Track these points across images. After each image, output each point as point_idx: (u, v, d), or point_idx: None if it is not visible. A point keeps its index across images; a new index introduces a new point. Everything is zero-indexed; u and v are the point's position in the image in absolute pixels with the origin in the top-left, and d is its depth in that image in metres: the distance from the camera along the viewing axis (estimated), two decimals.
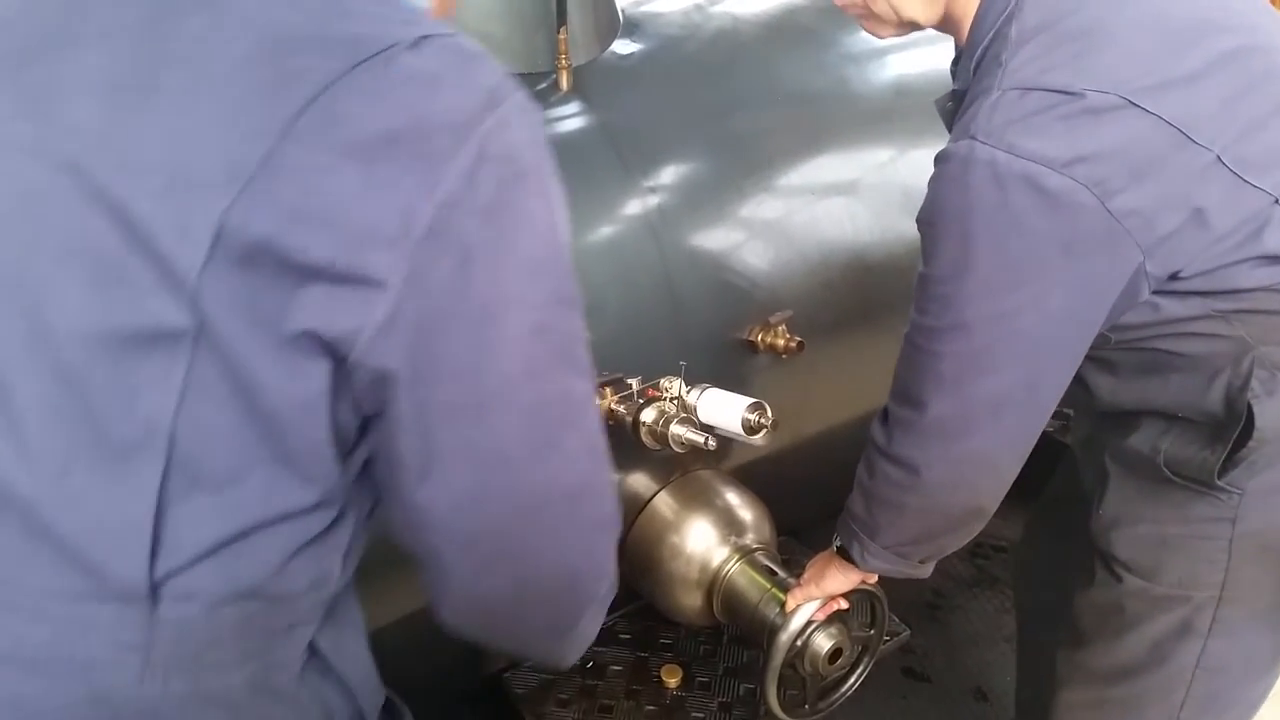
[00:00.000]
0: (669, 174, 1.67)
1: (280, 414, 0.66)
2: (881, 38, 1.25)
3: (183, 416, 0.65)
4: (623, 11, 1.83)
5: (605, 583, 0.83)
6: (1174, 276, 1.05)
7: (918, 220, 1.10)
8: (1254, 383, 1.09)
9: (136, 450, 0.65)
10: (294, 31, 0.65)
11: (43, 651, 0.68)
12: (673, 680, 1.75)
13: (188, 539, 0.67)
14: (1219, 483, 1.14)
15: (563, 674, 1.77)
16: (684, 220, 1.65)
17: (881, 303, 1.84)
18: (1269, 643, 1.28)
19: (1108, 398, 1.22)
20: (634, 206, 1.59)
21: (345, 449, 0.71)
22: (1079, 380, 1.18)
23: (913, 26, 1.20)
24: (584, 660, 1.80)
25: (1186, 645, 1.24)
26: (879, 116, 1.93)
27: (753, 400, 1.39)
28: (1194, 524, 1.19)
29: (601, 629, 1.94)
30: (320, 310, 0.64)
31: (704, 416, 1.42)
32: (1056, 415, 2.42)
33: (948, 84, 1.28)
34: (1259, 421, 1.08)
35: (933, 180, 1.07)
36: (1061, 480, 1.55)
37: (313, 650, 0.78)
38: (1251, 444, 1.09)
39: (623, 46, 1.78)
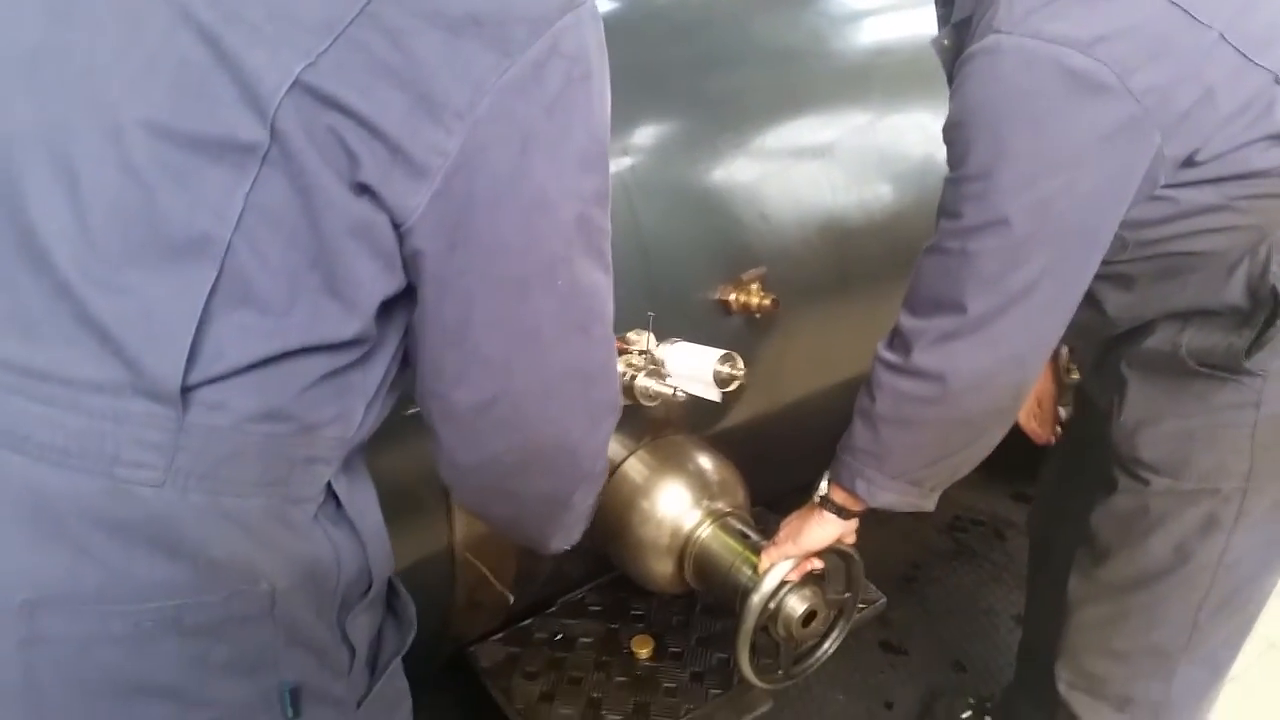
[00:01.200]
0: (640, 132, 1.62)
1: (336, 241, 0.71)
2: None
3: (241, 230, 0.69)
4: None
5: (601, 462, 0.92)
6: (1190, 162, 1.07)
7: (945, 129, 1.11)
8: (1275, 266, 1.13)
9: (192, 254, 0.69)
10: None
11: (74, 442, 0.70)
12: (644, 651, 1.71)
13: (229, 351, 0.71)
14: (1246, 366, 1.17)
15: (530, 646, 1.73)
16: (656, 177, 1.60)
17: (859, 266, 1.80)
18: (1273, 570, 1.32)
19: (1125, 313, 1.24)
20: None
21: (389, 291, 0.75)
22: (1093, 303, 1.19)
23: None
24: (552, 632, 1.76)
25: (1210, 541, 1.27)
26: (857, 77, 1.89)
27: (724, 351, 1.34)
28: (1219, 412, 1.22)
29: (571, 601, 1.91)
30: (382, 173, 0.69)
31: (673, 369, 1.37)
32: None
33: (926, 45, 1.28)
34: None
35: (959, 84, 1.08)
36: (1069, 426, 1.56)
37: (330, 495, 0.82)
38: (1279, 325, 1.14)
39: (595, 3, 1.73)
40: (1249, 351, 1.16)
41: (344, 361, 0.76)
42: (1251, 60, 1.05)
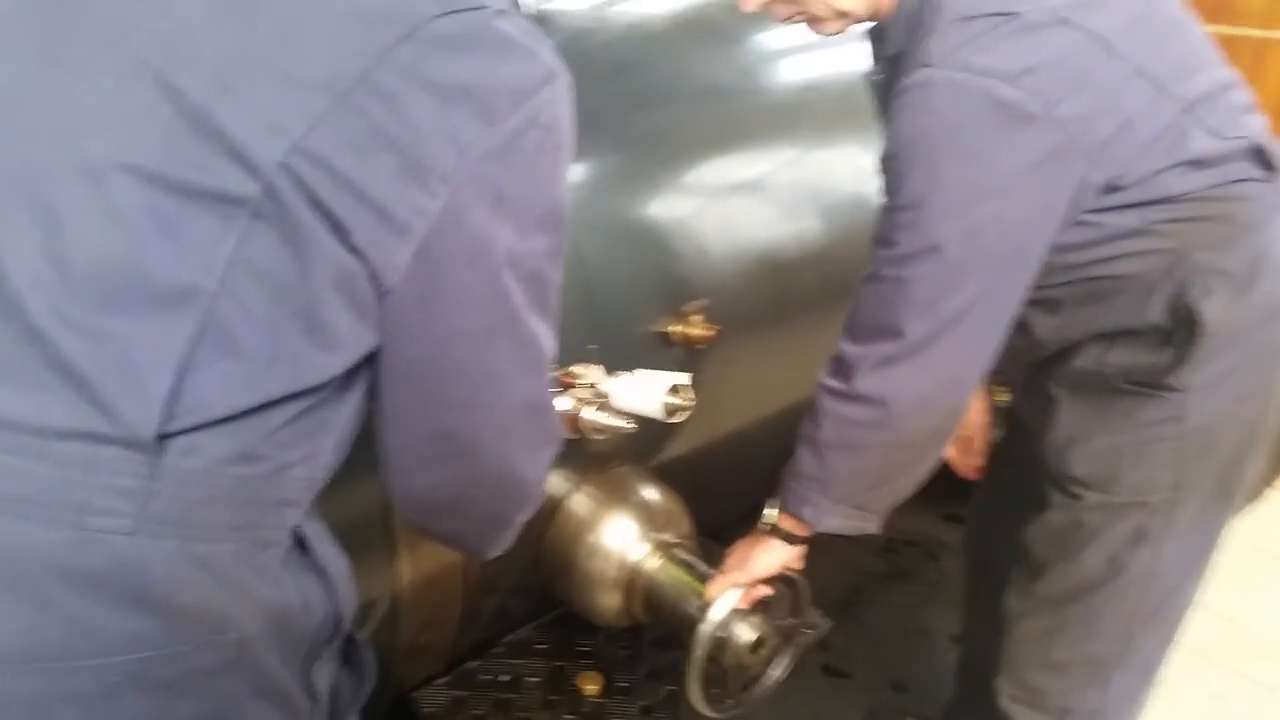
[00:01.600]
0: (580, 168, 1.64)
1: (320, 294, 0.72)
2: (829, 34, 1.28)
3: (226, 282, 0.70)
4: (530, 7, 1.80)
5: (541, 487, 0.97)
6: (1112, 188, 1.12)
7: (881, 159, 1.14)
8: (1193, 288, 1.18)
9: (175, 303, 0.69)
10: None
11: (40, 492, 0.69)
12: (592, 687, 1.70)
13: (212, 401, 0.71)
14: (1168, 382, 1.22)
15: (476, 689, 1.70)
16: (596, 215, 1.61)
17: (794, 297, 1.83)
18: (1204, 544, 1.37)
19: (1053, 335, 1.28)
20: None
21: (368, 342, 0.78)
22: (1022, 327, 1.23)
23: (850, 19, 1.25)
24: (497, 673, 1.73)
25: (1140, 552, 1.31)
26: (789, 112, 1.94)
27: (671, 381, 1.36)
28: (1145, 428, 1.26)
29: (516, 640, 1.88)
30: (369, 234, 0.72)
31: (620, 402, 1.37)
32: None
33: (856, 81, 1.32)
34: (1205, 319, 1.18)
35: (894, 116, 1.12)
36: (1000, 446, 1.60)
37: (297, 539, 0.83)
38: (1200, 341, 1.19)
39: (544, 39, 1.74)
40: (1171, 369, 1.22)
41: (314, 401, 0.77)
42: (1165, 91, 1.12)
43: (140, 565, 0.71)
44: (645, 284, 1.64)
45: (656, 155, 1.75)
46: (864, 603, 2.35)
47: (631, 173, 1.70)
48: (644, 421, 1.39)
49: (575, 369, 1.38)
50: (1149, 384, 1.24)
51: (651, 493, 1.64)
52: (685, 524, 1.65)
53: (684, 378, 1.38)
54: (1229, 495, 1.35)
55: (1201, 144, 1.14)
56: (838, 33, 1.27)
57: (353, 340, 0.76)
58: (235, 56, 0.70)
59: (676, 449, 1.76)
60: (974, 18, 1.07)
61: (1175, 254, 1.18)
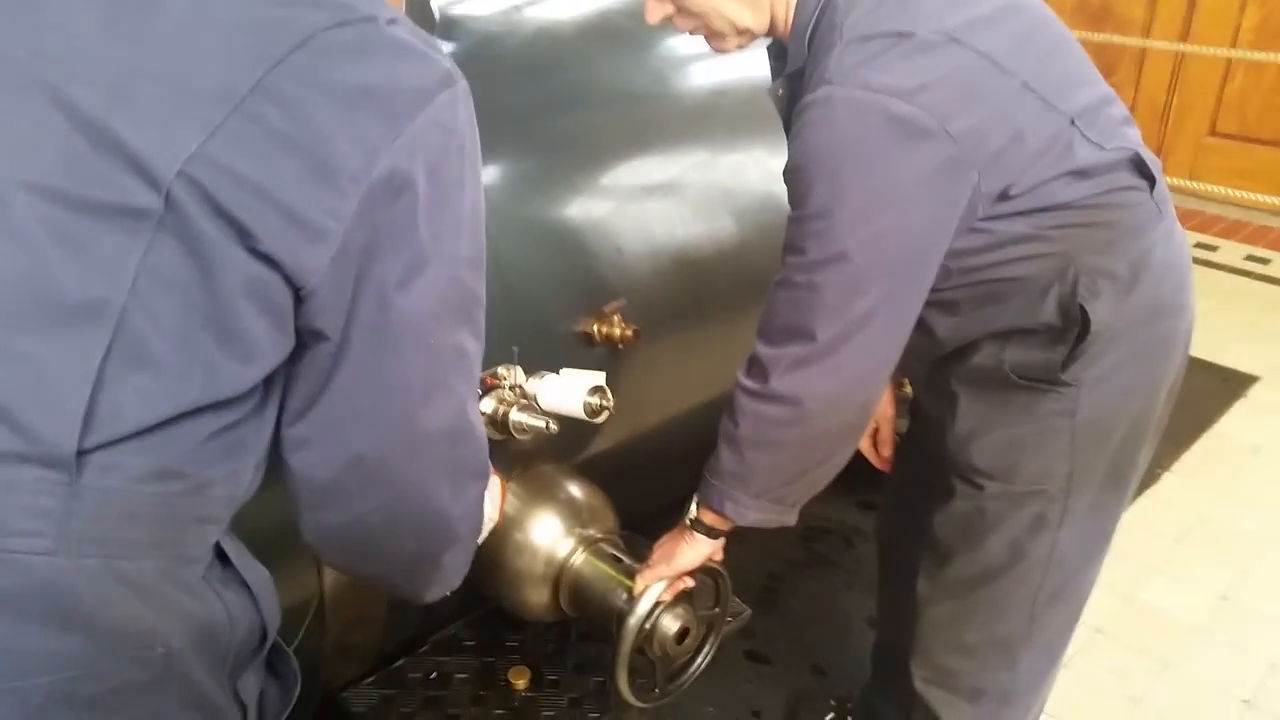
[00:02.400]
0: (493, 172, 1.65)
1: (230, 302, 0.72)
2: (727, 51, 1.33)
3: (135, 294, 0.70)
4: (438, 10, 1.80)
5: (468, 526, 0.95)
6: (1004, 196, 1.18)
7: (785, 171, 1.18)
8: (1080, 289, 1.25)
9: (85, 319, 0.69)
10: None
11: None
12: (521, 681, 1.72)
13: (128, 414, 0.71)
14: (1062, 377, 1.29)
15: (405, 687, 1.71)
16: (512, 217, 1.63)
17: (711, 295, 1.88)
18: (1100, 529, 1.46)
19: (952, 334, 1.35)
20: None
21: (284, 350, 0.78)
22: (923, 327, 1.29)
23: (749, 36, 1.29)
24: (426, 671, 1.74)
25: (1041, 538, 1.39)
26: (700, 116, 1.99)
27: (592, 383, 1.39)
28: (1041, 420, 1.33)
29: (443, 638, 1.89)
30: (277, 239, 0.72)
31: (544, 402, 1.40)
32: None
33: (763, 85, 1.37)
34: (1093, 318, 1.25)
35: (798, 131, 1.16)
36: (906, 438, 1.67)
37: (219, 555, 0.83)
38: (1089, 338, 1.26)
39: (440, 46, 1.75)
40: (1064, 365, 1.29)
41: (235, 418, 0.77)
42: (1051, 105, 1.18)
43: (62, 585, 0.71)
44: (564, 285, 1.67)
45: (571, 158, 1.77)
46: (784, 590, 2.41)
47: (547, 175, 1.73)
48: (567, 420, 1.43)
49: (500, 370, 1.41)
50: (1043, 379, 1.31)
51: (576, 489, 1.66)
52: (610, 519, 1.68)
53: (602, 377, 1.41)
54: (1122, 483, 1.43)
55: (1085, 155, 1.20)
56: (736, 49, 1.31)
57: (269, 348, 0.76)
58: (129, 70, 0.71)
59: (600, 445, 1.80)
60: (871, 37, 1.12)
61: (1064, 257, 1.25)
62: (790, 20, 1.24)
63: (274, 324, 0.75)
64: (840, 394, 1.22)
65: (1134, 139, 1.28)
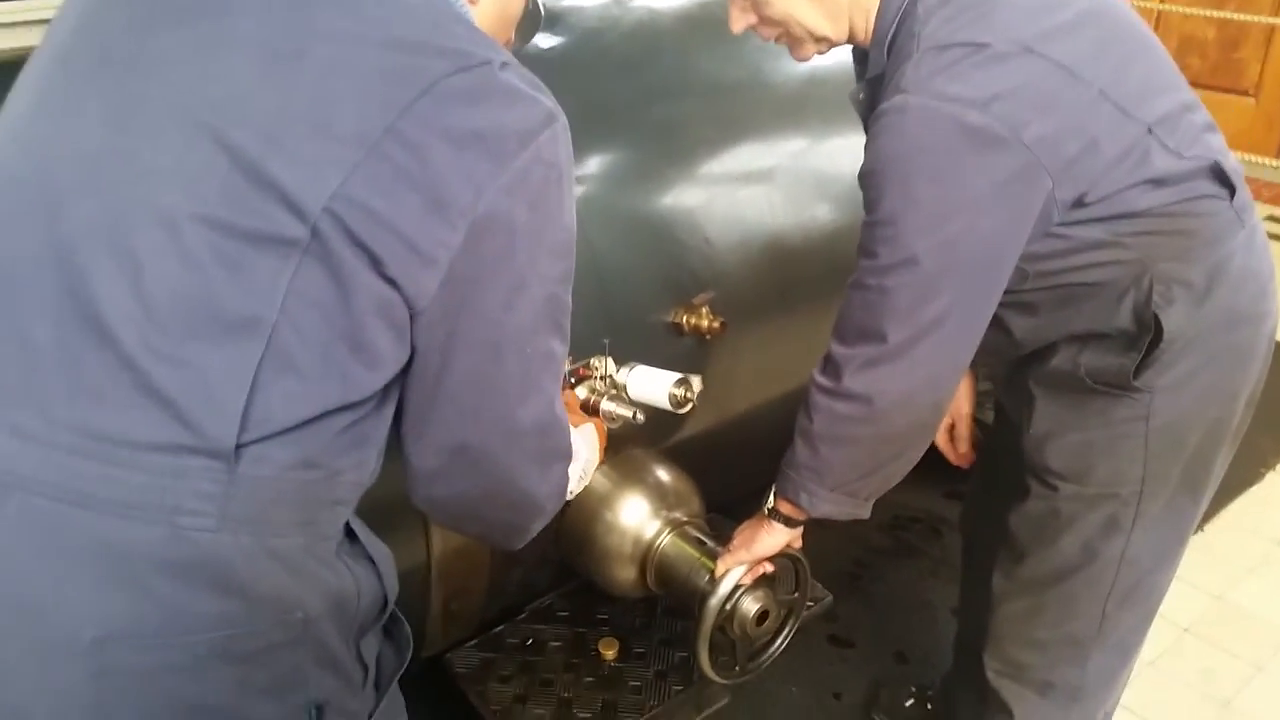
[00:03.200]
0: (593, 164, 1.73)
1: (362, 318, 0.82)
2: (807, 58, 1.37)
3: (284, 311, 0.80)
4: (544, 6, 1.87)
5: (553, 501, 1.04)
6: (1079, 203, 1.20)
7: (860, 175, 1.22)
8: (1155, 296, 1.27)
9: (244, 332, 0.79)
10: (413, 36, 0.83)
11: (136, 496, 0.79)
12: (610, 652, 1.81)
13: (276, 414, 0.81)
14: (1135, 384, 1.31)
15: (503, 652, 1.82)
16: (608, 209, 1.70)
17: (799, 285, 1.92)
18: (1174, 533, 1.46)
19: (1030, 336, 1.37)
20: None
21: (402, 359, 0.87)
22: (1001, 327, 1.32)
23: (828, 44, 1.33)
24: (523, 638, 1.85)
25: (1113, 540, 1.41)
26: (793, 105, 2.01)
27: (679, 375, 1.45)
28: (1115, 425, 1.35)
29: (539, 608, 2.00)
30: (401, 265, 0.81)
31: (633, 393, 1.47)
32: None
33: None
34: (1166, 326, 1.27)
35: (872, 137, 1.19)
36: (989, 435, 1.69)
37: (348, 533, 0.94)
38: (1162, 345, 1.28)
39: (544, 40, 1.82)
40: (1137, 371, 1.30)
41: (361, 415, 0.87)
42: (1128, 113, 1.19)
43: (223, 557, 0.81)
44: (655, 277, 1.73)
45: (666, 150, 1.82)
46: (870, 577, 2.44)
47: (642, 167, 1.78)
48: (655, 409, 1.49)
49: (593, 361, 1.48)
50: (1117, 385, 1.32)
51: (664, 473, 1.74)
52: (695, 503, 1.75)
53: (693, 377, 1.47)
54: (1198, 488, 1.44)
55: (1163, 163, 1.21)
56: (817, 54, 1.35)
57: (391, 358, 0.85)
58: (280, 115, 0.80)
59: (689, 430, 1.86)
60: (947, 47, 1.15)
61: (1140, 264, 1.26)
62: (871, 27, 1.27)
63: (395, 337, 0.84)
64: (911, 393, 1.25)
65: (1216, 146, 1.27)
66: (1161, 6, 4.80)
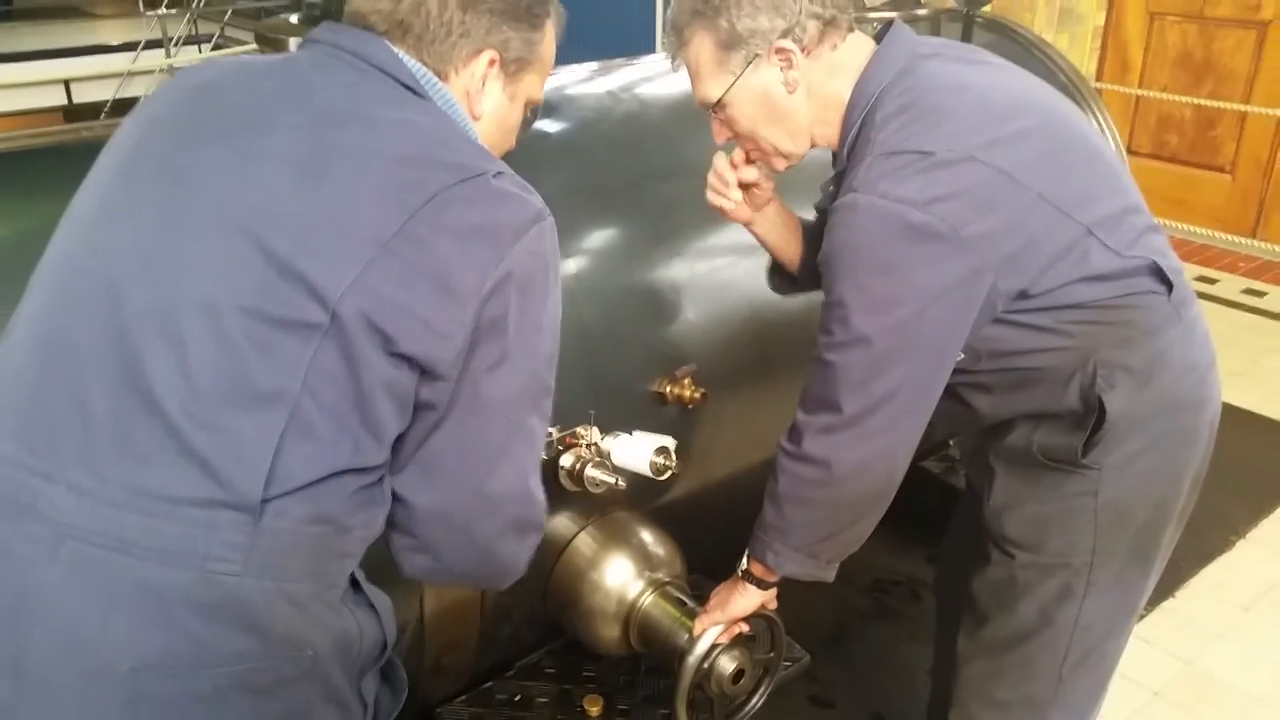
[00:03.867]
0: (585, 242, 1.85)
1: (371, 392, 0.94)
2: (777, 170, 1.51)
3: (306, 386, 0.92)
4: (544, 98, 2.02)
5: (520, 571, 1.14)
6: (1024, 295, 1.32)
7: (819, 261, 1.35)
8: (1099, 380, 1.37)
9: (271, 403, 0.92)
10: (421, 153, 0.99)
11: (173, 544, 0.91)
12: (594, 709, 1.88)
13: (296, 473, 0.93)
14: (1083, 461, 1.41)
15: (492, 707, 1.89)
16: (599, 283, 1.82)
17: (777, 359, 2.03)
18: (1125, 602, 1.55)
19: (988, 411, 1.48)
20: None
21: (402, 428, 0.99)
22: (962, 402, 1.44)
23: (795, 158, 1.47)
24: (511, 694, 1.92)
25: (1067, 607, 1.50)
26: (774, 187, 2.14)
27: (659, 444, 1.55)
28: (1067, 499, 1.45)
29: (527, 664, 2.07)
30: (417, 342, 0.94)
31: (616, 460, 1.57)
32: (943, 459, 2.68)
33: (827, 161, 1.53)
34: (1109, 408, 1.37)
35: (829, 228, 1.32)
36: (961, 503, 1.80)
37: (352, 582, 1.05)
38: (1107, 426, 1.38)
39: (547, 125, 1.97)
40: (1084, 449, 1.40)
41: (370, 480, 0.99)
42: (1067, 214, 1.30)
43: (245, 599, 0.92)
44: (641, 349, 1.84)
45: (656, 228, 1.94)
46: (851, 638, 2.52)
47: (633, 244, 1.91)
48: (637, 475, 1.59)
49: (578, 429, 1.59)
50: (1068, 461, 1.43)
51: (648, 535, 1.83)
52: (678, 564, 1.84)
53: (670, 441, 1.58)
54: (1145, 561, 1.53)
55: (1102, 261, 1.32)
56: (785, 168, 1.48)
57: (394, 427, 0.97)
58: (308, 220, 0.94)
59: (673, 494, 1.95)
60: (896, 153, 1.27)
61: (1084, 351, 1.37)
62: (837, 133, 1.41)
63: (398, 409, 0.97)
64: (866, 461, 1.35)
65: (1156, 246, 1.39)
66: (1140, 92, 4.99)
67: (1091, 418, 1.38)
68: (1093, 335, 1.36)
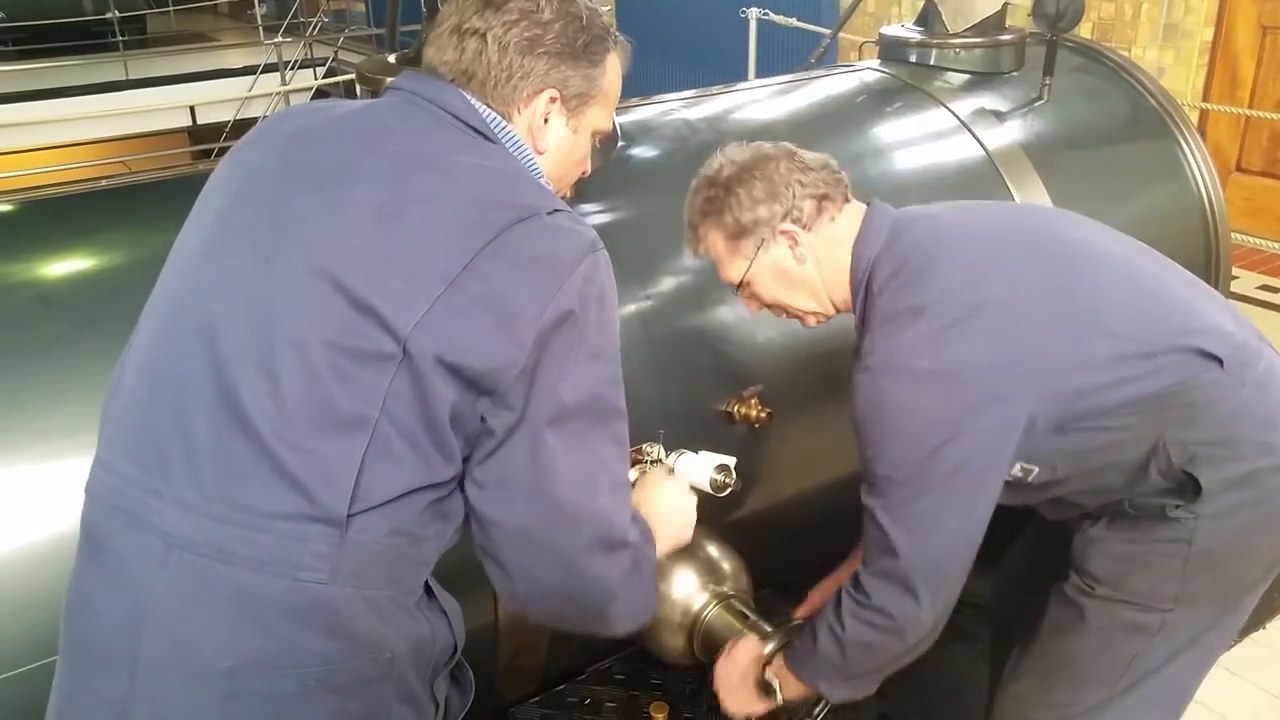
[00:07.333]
0: (657, 269, 1.95)
1: (441, 417, 1.03)
2: (811, 326, 1.65)
3: (384, 411, 1.01)
4: (620, 127, 2.12)
5: (615, 590, 1.14)
6: (1063, 406, 1.39)
7: (851, 419, 1.46)
8: (1173, 459, 1.40)
9: (353, 427, 1.01)
10: (488, 195, 1.07)
11: (267, 554, 1.01)
12: (660, 716, 1.96)
13: (376, 491, 1.02)
14: (1180, 511, 1.43)
15: (563, 709, 1.99)
16: (669, 309, 1.91)
17: (840, 380, 2.04)
18: (1203, 640, 1.52)
19: (1088, 502, 1.53)
20: (626, 298, 1.85)
21: (467, 451, 1.07)
22: (1062, 502, 1.52)
23: (824, 315, 1.61)
24: (582, 697, 2.02)
25: (1134, 641, 1.50)
26: None
27: (720, 462, 1.63)
28: (1157, 544, 1.46)
29: (597, 670, 2.17)
30: (482, 368, 1.02)
31: (679, 476, 1.65)
32: None
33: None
34: (1204, 484, 1.39)
35: (851, 388, 1.46)
36: (1032, 526, 1.83)
37: (426, 589, 1.14)
38: (1203, 496, 1.40)
39: (621, 157, 2.07)
40: (1183, 504, 1.41)
41: (442, 495, 1.08)
42: (1076, 325, 1.38)
43: (331, 604, 1.02)
44: (710, 371, 1.92)
45: None
46: (922, 657, 2.50)
47: (702, 275, 1.98)
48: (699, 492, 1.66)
49: (645, 446, 1.67)
50: (1163, 514, 1.44)
51: (714, 550, 1.90)
52: (743, 578, 1.90)
53: (731, 459, 1.65)
54: (1236, 610, 1.52)
55: (1129, 362, 1.37)
56: (817, 324, 1.63)
57: (462, 447, 1.06)
58: (384, 261, 1.03)
59: (740, 511, 2.02)
60: (893, 318, 1.41)
61: (1150, 436, 1.40)
62: (849, 296, 1.55)
63: (464, 430, 1.05)
64: (928, 620, 1.45)
65: (1194, 326, 1.41)
66: (1245, 112, 4.80)
67: (1186, 491, 1.40)
68: (1152, 422, 1.40)
